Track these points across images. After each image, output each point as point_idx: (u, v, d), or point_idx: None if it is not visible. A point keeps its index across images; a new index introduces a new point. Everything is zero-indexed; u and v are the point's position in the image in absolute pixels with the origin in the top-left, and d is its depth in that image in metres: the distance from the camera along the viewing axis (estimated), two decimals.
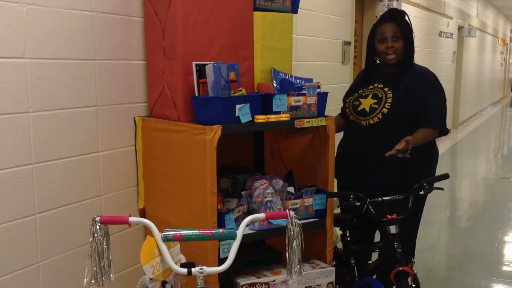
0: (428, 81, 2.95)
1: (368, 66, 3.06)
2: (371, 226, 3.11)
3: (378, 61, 3.01)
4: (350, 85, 3.23)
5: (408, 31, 2.90)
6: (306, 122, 2.62)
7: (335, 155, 2.84)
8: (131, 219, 1.90)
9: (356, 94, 3.00)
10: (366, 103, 2.93)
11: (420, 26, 8.58)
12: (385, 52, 2.89)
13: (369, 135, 2.90)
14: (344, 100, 3.10)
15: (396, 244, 2.67)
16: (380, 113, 2.87)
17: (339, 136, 2.97)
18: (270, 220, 2.52)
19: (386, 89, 2.92)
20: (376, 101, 2.90)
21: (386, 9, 5.98)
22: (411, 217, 2.74)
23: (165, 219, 2.59)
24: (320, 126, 2.71)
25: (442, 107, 2.98)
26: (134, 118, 2.72)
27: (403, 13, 2.94)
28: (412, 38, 2.93)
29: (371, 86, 2.98)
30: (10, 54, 2.11)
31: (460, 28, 11.89)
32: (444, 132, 2.97)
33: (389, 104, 2.86)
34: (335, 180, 2.91)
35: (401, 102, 2.86)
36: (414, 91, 2.88)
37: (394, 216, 2.68)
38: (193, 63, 2.44)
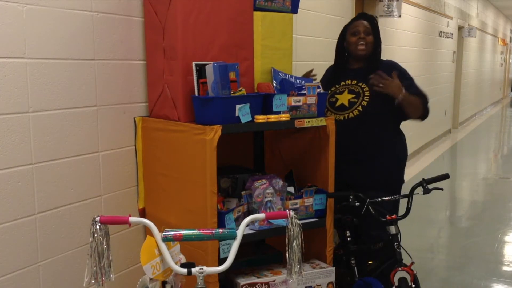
0: (397, 69, 3.04)
1: (338, 63, 3.13)
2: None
3: (347, 57, 3.08)
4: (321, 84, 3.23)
5: (377, 32, 3.03)
6: (306, 122, 2.63)
7: None
8: (131, 219, 1.90)
9: (329, 91, 3.04)
10: (344, 98, 2.99)
11: (420, 26, 8.58)
12: (356, 43, 2.98)
13: (350, 129, 2.95)
14: None
15: (396, 245, 2.67)
16: (360, 106, 2.94)
17: None
18: (270, 220, 2.52)
19: (360, 84, 3.00)
20: (353, 95, 2.98)
21: (386, 9, 6.01)
22: None
23: (165, 219, 2.59)
24: (320, 126, 2.71)
25: (420, 88, 3.03)
26: (134, 118, 2.72)
27: (374, 17, 3.09)
28: (380, 39, 3.04)
29: (343, 83, 3.04)
30: (10, 54, 2.11)
31: (460, 28, 11.89)
32: (427, 112, 3.00)
33: (368, 97, 2.95)
34: None
35: (378, 95, 2.93)
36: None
37: (394, 216, 2.69)
38: (193, 63, 2.44)
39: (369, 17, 3.06)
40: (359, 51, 2.99)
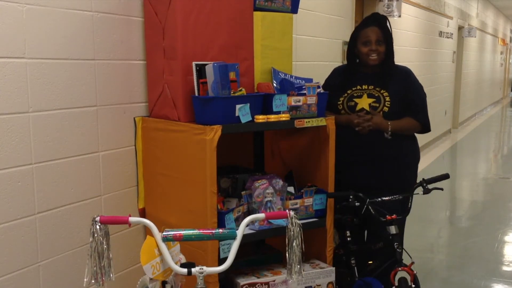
0: (412, 79, 3.07)
1: (350, 66, 3.09)
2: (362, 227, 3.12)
3: (358, 63, 3.04)
4: (327, 85, 3.12)
5: (390, 36, 2.98)
6: (306, 122, 2.62)
7: None
8: (131, 219, 1.90)
9: (346, 94, 3.00)
10: (364, 103, 2.95)
11: (420, 26, 8.57)
12: (368, 54, 2.94)
13: (372, 133, 2.90)
14: (333, 102, 2.99)
15: (396, 245, 2.67)
16: (381, 111, 2.92)
17: None
18: (270, 220, 2.52)
19: (378, 89, 2.97)
20: (374, 100, 2.94)
21: (386, 9, 6.00)
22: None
23: (165, 219, 2.59)
24: (320, 126, 2.71)
25: (425, 104, 3.09)
26: (134, 118, 2.72)
27: (385, 18, 3.01)
28: (392, 45, 3.00)
29: (359, 87, 2.99)
30: (10, 54, 2.11)
31: (460, 28, 11.88)
32: (427, 128, 3.06)
33: (389, 102, 2.92)
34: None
35: (398, 100, 2.94)
36: (405, 89, 2.98)
37: (394, 216, 2.68)
38: (193, 63, 2.44)
39: (381, 21, 2.96)
40: (370, 61, 2.94)
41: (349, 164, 2.96)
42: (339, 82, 3.06)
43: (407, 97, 2.97)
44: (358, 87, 3.00)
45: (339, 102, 3.00)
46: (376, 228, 2.94)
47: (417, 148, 3.14)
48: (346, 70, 3.11)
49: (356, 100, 2.97)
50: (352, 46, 3.03)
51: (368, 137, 2.91)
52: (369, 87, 2.98)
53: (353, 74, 3.04)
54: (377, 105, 2.92)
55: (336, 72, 3.19)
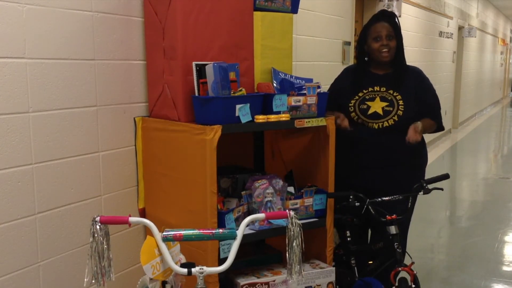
0: (424, 79, 3.06)
1: (360, 66, 3.06)
2: (364, 227, 3.11)
3: (367, 60, 3.02)
4: (337, 86, 3.13)
5: (399, 32, 2.96)
6: (306, 122, 2.63)
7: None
8: (131, 219, 1.90)
9: (357, 97, 2.97)
10: (377, 106, 2.92)
11: (420, 26, 8.58)
12: (379, 50, 2.91)
13: (383, 137, 2.90)
14: (344, 103, 2.99)
15: (396, 245, 2.67)
16: (395, 116, 2.90)
17: None
18: (270, 220, 2.52)
19: (391, 91, 2.93)
20: (387, 103, 2.91)
21: (386, 9, 6.01)
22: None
23: (165, 219, 2.59)
24: (320, 126, 2.71)
25: (438, 103, 3.10)
26: (134, 118, 2.72)
27: (394, 15, 2.99)
28: (402, 40, 2.98)
29: (371, 89, 2.97)
30: (10, 54, 2.11)
31: (460, 28, 11.89)
32: (441, 127, 3.07)
33: (402, 106, 2.90)
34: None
35: (411, 103, 2.92)
36: (418, 90, 2.96)
37: (394, 216, 2.69)
38: (193, 63, 2.44)
39: (390, 17, 2.94)
40: (382, 58, 2.92)
41: (362, 168, 2.94)
42: (350, 83, 3.03)
43: (420, 97, 2.95)
44: (370, 89, 2.96)
45: (350, 104, 2.97)
46: (380, 227, 2.94)
47: (426, 150, 3.13)
48: (357, 70, 3.08)
49: (369, 103, 2.94)
50: (362, 44, 2.99)
51: (383, 141, 2.90)
52: (381, 89, 2.95)
53: (364, 75, 3.01)
54: (391, 109, 2.90)
55: (347, 72, 3.16)
